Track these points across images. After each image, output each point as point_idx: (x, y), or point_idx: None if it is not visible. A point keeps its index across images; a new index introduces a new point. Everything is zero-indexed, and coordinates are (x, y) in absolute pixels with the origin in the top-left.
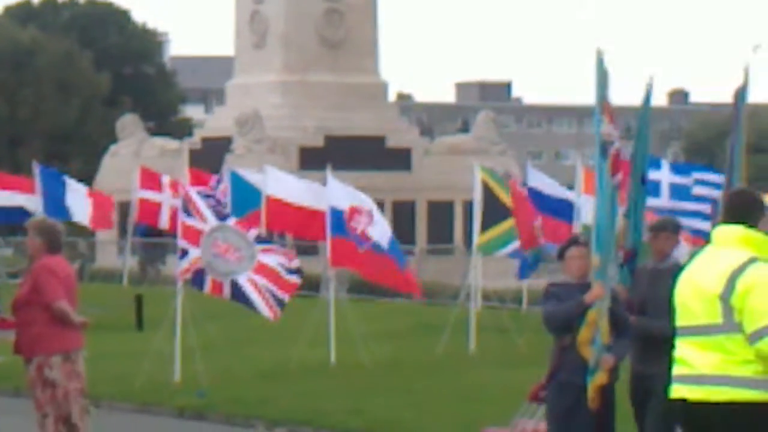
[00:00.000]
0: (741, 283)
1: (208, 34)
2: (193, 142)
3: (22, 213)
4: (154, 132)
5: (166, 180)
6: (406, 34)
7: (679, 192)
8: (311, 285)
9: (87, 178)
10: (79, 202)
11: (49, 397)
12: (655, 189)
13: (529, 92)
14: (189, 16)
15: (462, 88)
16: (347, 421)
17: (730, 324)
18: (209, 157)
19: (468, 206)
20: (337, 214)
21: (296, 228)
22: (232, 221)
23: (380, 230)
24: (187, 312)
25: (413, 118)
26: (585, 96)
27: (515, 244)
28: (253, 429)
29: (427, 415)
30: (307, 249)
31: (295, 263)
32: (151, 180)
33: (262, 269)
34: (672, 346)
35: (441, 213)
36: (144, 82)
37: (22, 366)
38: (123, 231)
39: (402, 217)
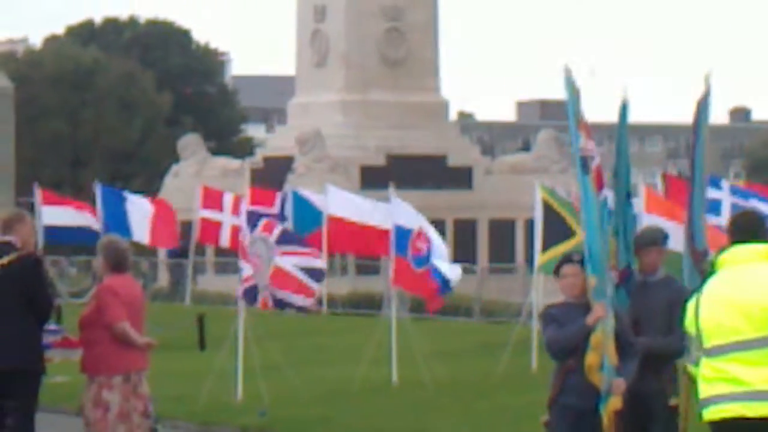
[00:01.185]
0: None
1: (269, 53)
2: (254, 162)
3: (86, 233)
4: (216, 151)
5: (228, 197)
6: (467, 52)
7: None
8: (373, 304)
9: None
10: (140, 220)
11: (99, 418)
12: (716, 208)
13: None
14: (250, 35)
15: (523, 106)
16: None
17: None
18: (271, 176)
19: (530, 225)
20: (403, 232)
21: (358, 246)
22: (260, 227)
23: (437, 251)
24: (249, 331)
25: (474, 136)
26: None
27: None
28: None
29: None
30: (368, 268)
31: (318, 263)
32: (212, 199)
33: (278, 275)
34: (668, 362)
35: (502, 231)
36: (205, 101)
37: (84, 385)
38: (185, 250)
39: (463, 235)
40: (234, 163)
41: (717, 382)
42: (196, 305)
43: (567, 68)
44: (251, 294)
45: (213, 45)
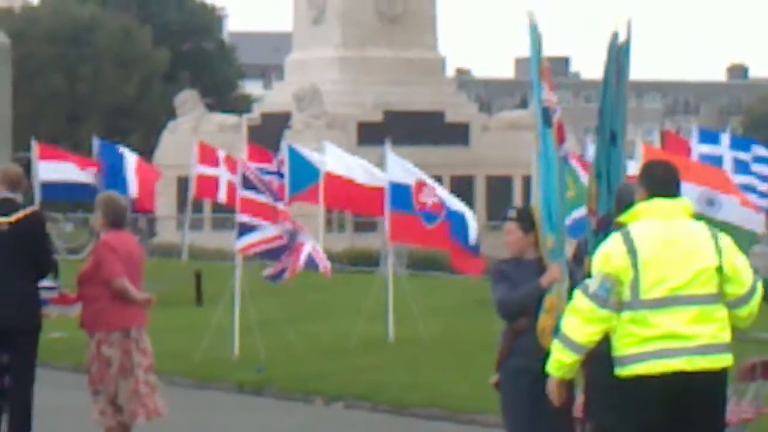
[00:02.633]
0: (725, 250)
1: (266, 9)
2: (251, 118)
3: (83, 189)
4: (213, 108)
5: (221, 155)
6: (464, 8)
7: (741, 167)
8: (370, 260)
9: (146, 153)
10: (133, 177)
11: (104, 375)
12: (717, 162)
13: (587, 67)
14: None
15: (521, 63)
16: (405, 396)
17: (720, 294)
18: (268, 132)
19: (527, 181)
20: (401, 189)
21: (354, 204)
22: (282, 204)
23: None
24: (246, 287)
25: (472, 93)
26: (644, 70)
27: (573, 216)
28: (312, 404)
29: (483, 390)
30: (365, 225)
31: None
32: (209, 155)
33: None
34: None
35: (500, 188)
36: (203, 57)
37: (82, 341)
38: (182, 206)
39: (460, 192)
40: (231, 119)
41: (655, 340)
42: (193, 261)
43: (530, 14)
44: (277, 252)
45: (210, 1)
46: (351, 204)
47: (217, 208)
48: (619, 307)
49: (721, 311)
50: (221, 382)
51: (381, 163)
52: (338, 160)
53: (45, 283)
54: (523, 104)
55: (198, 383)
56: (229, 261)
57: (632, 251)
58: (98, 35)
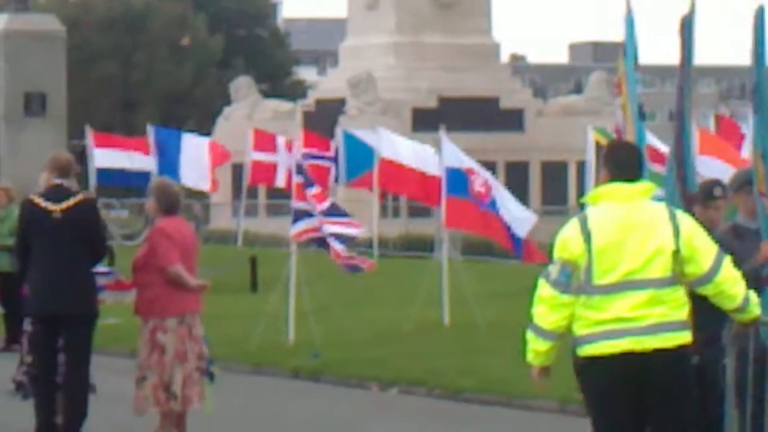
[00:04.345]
0: (684, 231)
1: None
2: (306, 104)
3: (138, 175)
4: (267, 94)
5: (281, 141)
6: None
7: None
8: (425, 246)
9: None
10: (195, 164)
11: (155, 361)
12: None
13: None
14: None
15: (575, 48)
16: (460, 381)
17: (676, 276)
18: (322, 119)
19: (581, 167)
20: (456, 174)
21: (410, 190)
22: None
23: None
24: (301, 273)
25: (526, 79)
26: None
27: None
28: (368, 390)
29: None
30: (420, 210)
31: (354, 232)
32: (265, 141)
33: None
34: None
35: (555, 174)
36: (257, 44)
37: (137, 327)
38: (237, 192)
39: (515, 178)
40: (286, 105)
41: (605, 323)
42: (248, 247)
43: (628, 5)
44: (323, 241)
45: None
46: (406, 189)
47: (271, 194)
48: (578, 291)
49: (676, 293)
50: (277, 368)
51: (436, 150)
52: (393, 146)
53: (100, 269)
54: (578, 89)
55: (253, 369)
56: (284, 247)
57: (587, 237)
58: (153, 22)
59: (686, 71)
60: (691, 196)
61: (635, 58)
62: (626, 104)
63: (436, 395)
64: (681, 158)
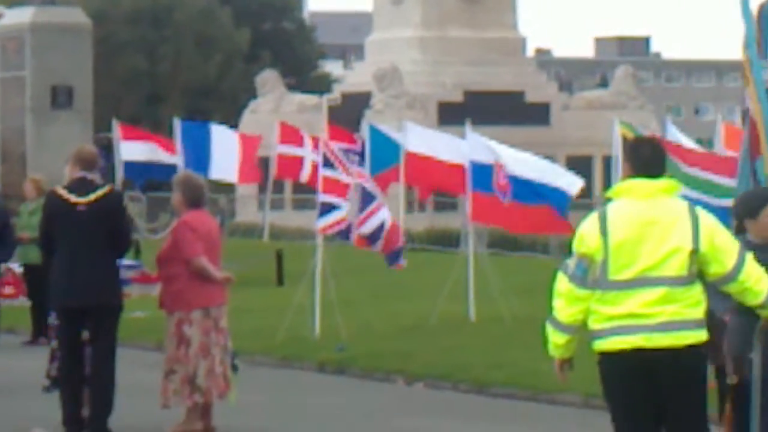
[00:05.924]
0: (704, 230)
1: None
2: (332, 98)
3: (165, 169)
4: (293, 87)
5: (307, 136)
6: None
7: None
8: (450, 240)
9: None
10: (225, 156)
11: (182, 355)
12: None
13: (667, 47)
14: None
15: (601, 42)
16: (487, 375)
17: (692, 275)
18: (348, 112)
19: (607, 161)
20: (482, 168)
21: (436, 182)
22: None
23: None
24: (327, 267)
25: (552, 73)
26: (725, 50)
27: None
28: (393, 383)
29: None
30: (446, 205)
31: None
32: (291, 135)
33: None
34: None
35: (580, 168)
36: (283, 37)
37: (163, 320)
38: (263, 186)
39: None
40: (312, 99)
41: (617, 318)
42: (274, 241)
43: None
44: (345, 232)
45: None
46: (433, 182)
47: (297, 188)
48: (594, 285)
49: (691, 291)
50: (302, 361)
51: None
52: (419, 139)
53: (126, 262)
54: (603, 84)
55: (279, 363)
56: (310, 240)
57: (605, 232)
58: (178, 15)
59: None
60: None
61: (755, 44)
62: (753, 93)
63: (462, 389)
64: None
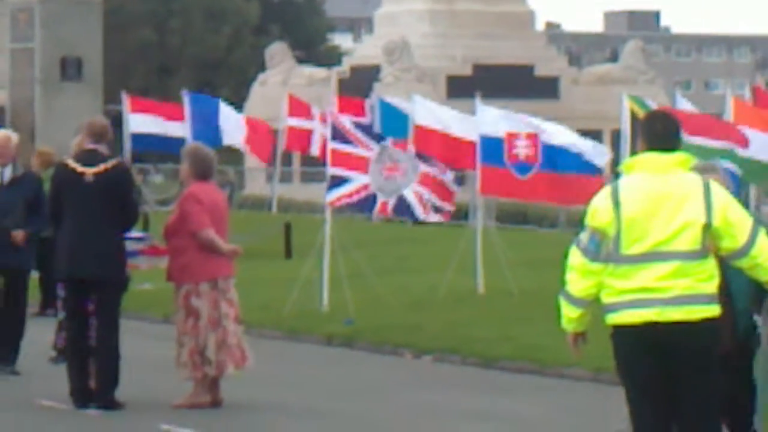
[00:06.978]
0: (717, 204)
1: None
2: (341, 71)
3: (174, 141)
4: (303, 60)
5: (316, 112)
6: None
7: None
8: (459, 214)
9: (236, 106)
10: (233, 125)
11: (191, 327)
12: None
13: (677, 21)
14: None
15: (610, 17)
16: (495, 349)
17: (705, 249)
18: (357, 85)
19: (616, 135)
20: (492, 142)
21: (445, 156)
22: (389, 141)
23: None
24: (336, 240)
25: (561, 47)
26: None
27: None
28: (401, 357)
29: None
30: (455, 178)
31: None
32: (300, 108)
33: (426, 179)
34: None
35: None
36: (292, 10)
37: (171, 292)
38: (272, 158)
39: None
40: (321, 72)
41: (630, 292)
42: (283, 213)
43: None
44: (367, 202)
45: None
46: (441, 155)
47: (306, 161)
48: (607, 259)
49: (704, 265)
50: (310, 334)
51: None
52: (428, 113)
53: (134, 234)
54: (613, 58)
55: (287, 336)
56: (319, 213)
57: (617, 206)
58: None
59: None
60: None
61: None
62: None
63: (470, 363)
64: None
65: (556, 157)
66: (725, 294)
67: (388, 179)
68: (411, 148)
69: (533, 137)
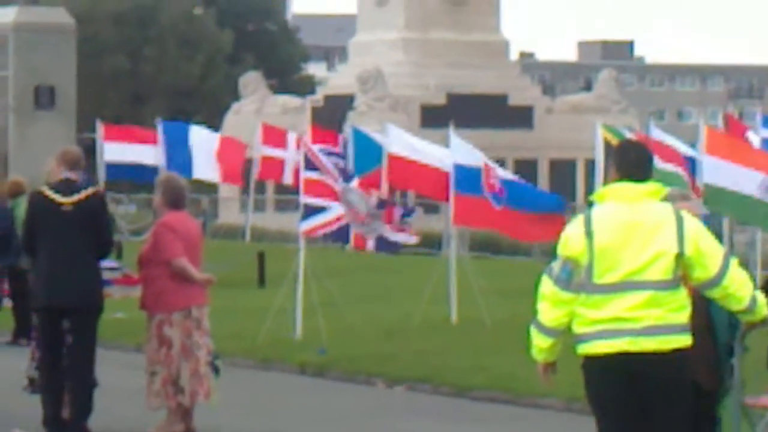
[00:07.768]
0: (689, 234)
1: None
2: (315, 100)
3: (148, 170)
4: (277, 89)
5: (291, 137)
6: None
7: None
8: (432, 243)
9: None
10: (205, 156)
11: (163, 356)
12: None
13: (651, 51)
14: None
15: (584, 46)
16: (468, 379)
17: (676, 280)
18: (331, 114)
19: (590, 165)
20: (466, 171)
21: (419, 186)
22: (355, 182)
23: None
24: (309, 269)
25: (535, 76)
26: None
27: None
28: (374, 386)
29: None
30: (428, 207)
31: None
32: (274, 136)
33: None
34: None
35: (563, 171)
36: (266, 39)
37: (144, 322)
38: (245, 187)
39: (524, 175)
40: (295, 101)
41: (602, 322)
42: (256, 242)
43: None
44: (342, 233)
45: None
46: (415, 185)
47: (279, 189)
48: (579, 289)
49: (676, 295)
50: (283, 363)
51: (444, 146)
52: (402, 142)
53: (108, 263)
54: (587, 87)
55: (260, 365)
56: (292, 242)
57: (590, 235)
58: (162, 16)
59: None
60: None
61: None
62: None
63: (443, 392)
64: None
65: (520, 194)
66: (707, 327)
67: (355, 222)
68: (373, 198)
69: (496, 171)
